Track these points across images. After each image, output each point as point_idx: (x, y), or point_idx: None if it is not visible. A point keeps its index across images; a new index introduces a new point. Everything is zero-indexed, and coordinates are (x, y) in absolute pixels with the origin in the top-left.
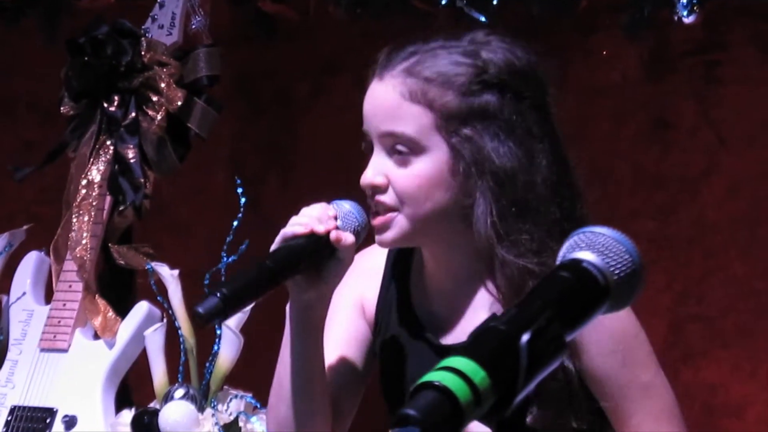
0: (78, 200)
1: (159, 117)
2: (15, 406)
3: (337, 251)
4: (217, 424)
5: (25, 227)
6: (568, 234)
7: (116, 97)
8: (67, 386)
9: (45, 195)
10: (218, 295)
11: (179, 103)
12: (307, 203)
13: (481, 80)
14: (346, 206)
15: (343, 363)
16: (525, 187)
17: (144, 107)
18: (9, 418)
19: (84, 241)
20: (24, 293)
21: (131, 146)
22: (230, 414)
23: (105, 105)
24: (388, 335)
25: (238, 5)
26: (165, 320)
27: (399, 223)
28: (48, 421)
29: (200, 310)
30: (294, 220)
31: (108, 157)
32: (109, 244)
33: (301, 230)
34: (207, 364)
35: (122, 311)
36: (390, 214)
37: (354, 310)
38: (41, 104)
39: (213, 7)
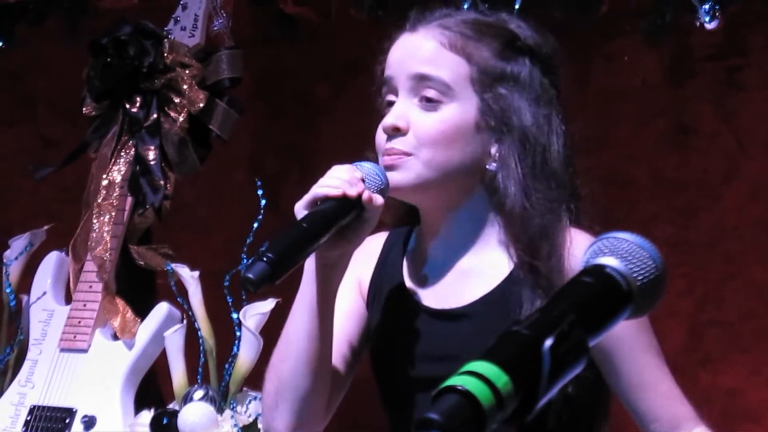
0: (98, 200)
1: (181, 118)
2: (34, 406)
3: (365, 212)
4: (236, 425)
5: (45, 227)
6: (576, 197)
7: (138, 98)
8: (87, 386)
9: (65, 194)
10: (264, 259)
11: (201, 104)
12: None
13: (515, 47)
14: (368, 166)
15: (340, 335)
16: (544, 151)
17: (166, 108)
18: (28, 418)
19: (104, 242)
20: (44, 293)
21: (152, 147)
22: (249, 416)
23: (127, 106)
24: (379, 308)
25: (259, 7)
26: (185, 321)
27: (414, 167)
28: (67, 421)
29: (251, 275)
30: (324, 181)
31: (129, 157)
32: (129, 245)
33: (334, 192)
34: (226, 366)
35: (142, 312)
36: (403, 156)
37: (352, 290)
38: (62, 104)
39: (235, 9)
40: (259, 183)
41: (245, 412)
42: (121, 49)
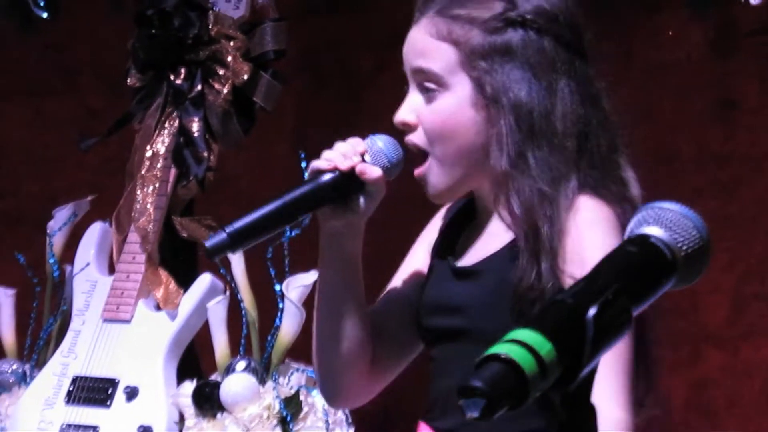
0: (142, 171)
1: (225, 90)
2: (77, 376)
3: (366, 184)
4: (278, 397)
5: (89, 198)
6: (589, 164)
7: (183, 70)
8: (130, 357)
9: (109, 165)
10: (225, 230)
11: (245, 76)
12: None
13: (505, 17)
14: (379, 143)
15: (400, 296)
16: (542, 118)
17: (210, 80)
18: (71, 388)
19: (148, 213)
20: (88, 264)
21: (196, 119)
22: (291, 387)
23: (171, 77)
24: (431, 269)
25: None
26: (227, 293)
27: (433, 170)
28: (110, 391)
29: (207, 244)
30: (324, 154)
31: (173, 129)
32: (173, 216)
33: (325, 166)
34: (269, 338)
35: (185, 283)
36: (424, 165)
37: (421, 252)
38: (106, 75)
39: None
40: (302, 155)
41: (287, 383)
42: (167, 21)
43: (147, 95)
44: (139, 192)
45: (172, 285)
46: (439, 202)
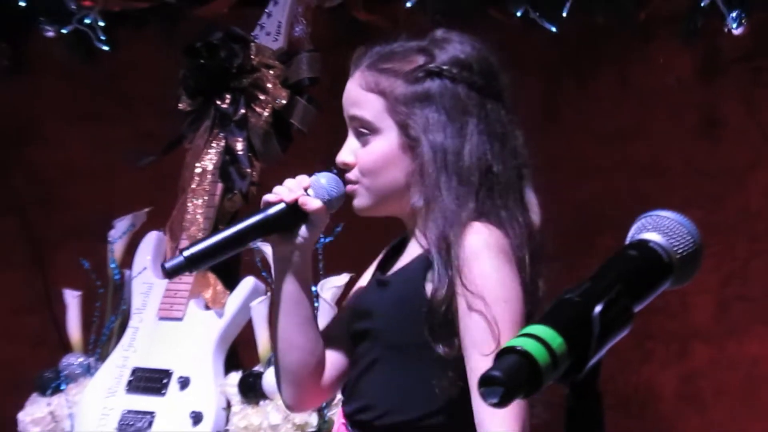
0: (192, 186)
1: (265, 113)
2: (136, 368)
3: (309, 214)
4: None
5: (145, 210)
6: (488, 193)
7: (228, 96)
8: (182, 351)
9: (162, 181)
10: (183, 254)
11: (283, 101)
12: None
13: (424, 69)
14: (322, 180)
15: (337, 323)
16: (454, 155)
17: (252, 104)
18: (131, 378)
19: (197, 223)
20: (145, 268)
21: (240, 139)
22: None
23: (218, 102)
24: None
25: (335, 14)
26: (269, 293)
27: (360, 194)
28: (164, 381)
29: (166, 266)
30: (274, 189)
31: (219, 148)
32: (219, 226)
33: (273, 198)
34: None
35: (230, 285)
36: (354, 186)
37: (365, 278)
38: (159, 100)
39: (313, 17)
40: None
41: None
42: (214, 52)
43: (196, 118)
44: (189, 204)
45: (220, 287)
46: (360, 214)
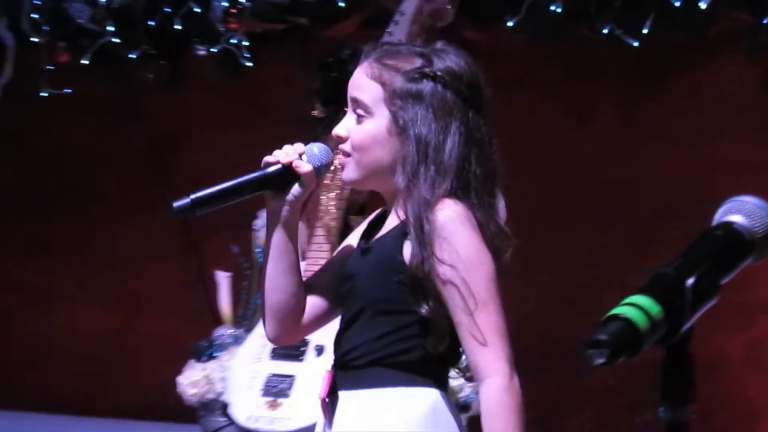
0: (326, 181)
1: None
2: None
3: (300, 176)
4: None
5: None
6: (463, 187)
7: None
8: None
9: None
10: (189, 197)
11: None
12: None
13: (421, 71)
14: (315, 149)
15: (322, 275)
16: (435, 150)
17: None
18: (274, 347)
19: (330, 212)
20: None
21: None
22: None
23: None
24: None
25: (445, 33)
26: None
27: (350, 166)
28: (303, 349)
29: (174, 205)
30: (274, 152)
31: None
32: (349, 215)
33: (272, 159)
34: None
35: None
36: (345, 158)
37: (349, 242)
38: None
39: (427, 35)
40: None
41: None
42: (343, 66)
43: (328, 123)
44: (323, 196)
45: None
46: (347, 186)
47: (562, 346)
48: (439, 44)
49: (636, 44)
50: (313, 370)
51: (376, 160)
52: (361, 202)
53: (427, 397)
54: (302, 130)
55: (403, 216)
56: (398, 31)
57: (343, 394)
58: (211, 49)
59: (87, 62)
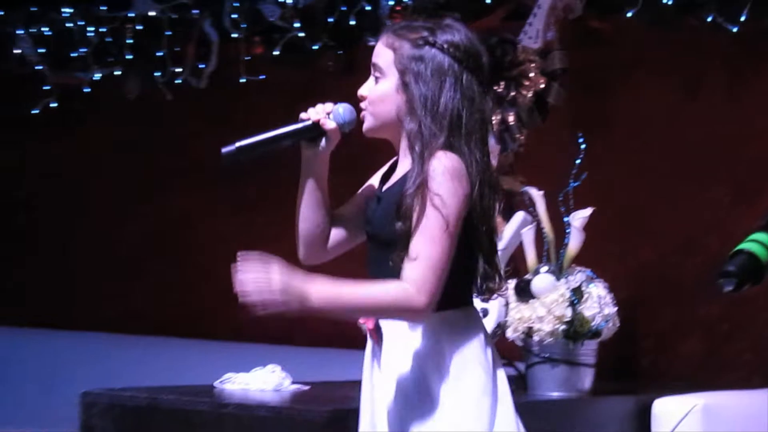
0: None
1: (529, 94)
2: None
3: (326, 132)
4: (568, 288)
5: None
6: (456, 134)
7: (502, 83)
8: None
9: None
10: (235, 144)
11: (542, 85)
12: (615, 160)
13: (425, 39)
14: (340, 109)
15: (346, 208)
16: (432, 102)
17: (519, 88)
18: None
19: None
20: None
21: (511, 113)
22: (576, 282)
23: (495, 88)
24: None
25: (575, 24)
26: (534, 223)
27: (367, 118)
28: None
29: (222, 150)
30: (309, 110)
31: (497, 121)
32: (498, 176)
33: (305, 116)
34: (561, 251)
35: (507, 217)
36: (364, 112)
37: (371, 182)
38: None
39: (561, 26)
40: (580, 136)
41: (574, 279)
42: (491, 52)
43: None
44: None
45: (499, 219)
46: (368, 136)
47: (673, 284)
48: (447, 20)
49: (735, 29)
50: None
51: (386, 113)
52: (508, 164)
53: (460, 315)
54: None
55: (408, 163)
56: (536, 22)
57: (383, 322)
58: None
59: (278, 53)
